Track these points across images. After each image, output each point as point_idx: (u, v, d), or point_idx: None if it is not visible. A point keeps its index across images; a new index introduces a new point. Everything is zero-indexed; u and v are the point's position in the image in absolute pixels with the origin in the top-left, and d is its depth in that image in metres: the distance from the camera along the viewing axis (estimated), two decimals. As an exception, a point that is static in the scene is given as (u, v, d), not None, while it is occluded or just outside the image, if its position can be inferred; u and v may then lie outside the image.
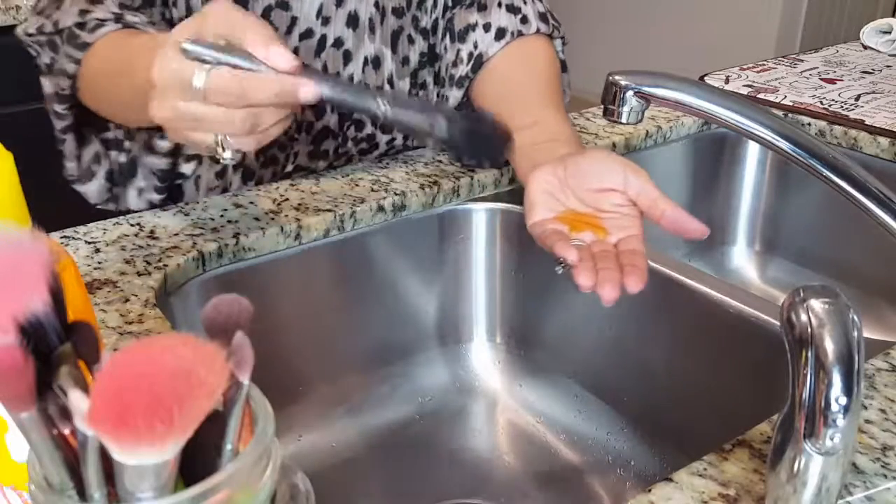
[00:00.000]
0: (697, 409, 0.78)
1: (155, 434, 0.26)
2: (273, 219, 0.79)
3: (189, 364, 0.27)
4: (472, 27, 0.88)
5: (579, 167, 0.66)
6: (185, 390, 0.26)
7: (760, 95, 1.10)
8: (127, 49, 0.71)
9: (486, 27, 0.87)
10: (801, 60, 1.26)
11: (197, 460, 0.29)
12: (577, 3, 3.53)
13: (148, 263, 0.72)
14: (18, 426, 0.28)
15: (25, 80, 1.46)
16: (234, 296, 0.32)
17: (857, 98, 1.08)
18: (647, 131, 1.01)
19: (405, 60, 0.90)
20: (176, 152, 0.81)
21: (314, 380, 0.85)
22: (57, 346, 0.29)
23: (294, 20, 0.83)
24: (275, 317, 0.80)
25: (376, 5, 0.86)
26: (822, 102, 1.07)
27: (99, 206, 0.89)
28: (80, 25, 0.74)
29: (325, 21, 0.84)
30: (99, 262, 0.72)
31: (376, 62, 0.88)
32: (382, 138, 0.92)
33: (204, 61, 0.55)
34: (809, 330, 0.40)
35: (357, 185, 0.86)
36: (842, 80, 1.16)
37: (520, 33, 0.86)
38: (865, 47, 1.31)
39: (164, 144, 0.79)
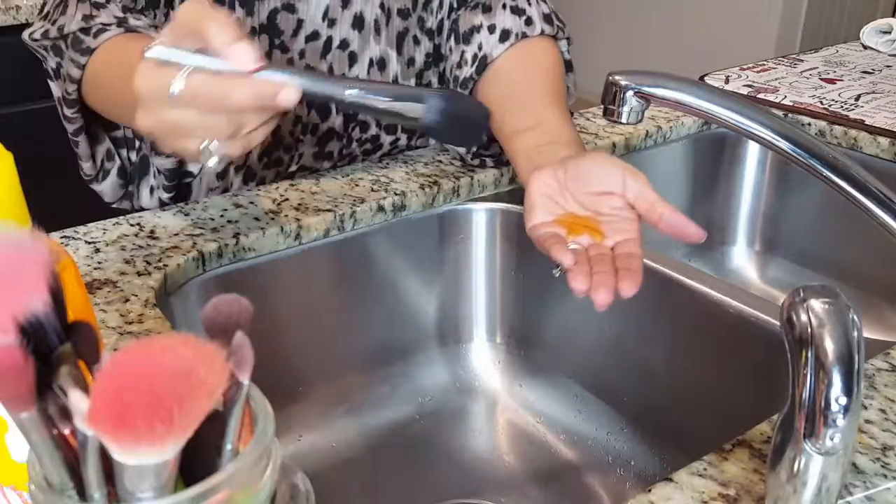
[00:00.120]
0: (697, 409, 0.78)
1: (155, 434, 0.26)
2: (273, 219, 0.79)
3: (189, 364, 0.27)
4: (477, 29, 0.88)
5: (579, 170, 0.66)
6: (185, 390, 0.26)
7: (760, 95, 1.10)
8: (127, 54, 0.71)
9: (491, 29, 0.87)
10: (801, 60, 1.26)
11: (197, 460, 0.29)
12: (577, 3, 3.52)
13: (148, 263, 0.72)
14: (18, 426, 0.28)
15: (25, 80, 1.46)
16: (234, 296, 0.31)
17: (857, 98, 1.08)
18: (647, 131, 1.01)
19: (411, 61, 0.90)
20: None
21: (314, 380, 0.85)
22: (57, 346, 0.29)
23: (300, 22, 0.83)
24: (275, 317, 0.80)
25: (382, 7, 0.86)
26: (822, 102, 1.07)
27: (114, 206, 0.89)
28: (85, 31, 0.75)
29: (331, 23, 0.84)
30: (99, 262, 0.72)
31: (382, 63, 0.88)
32: (386, 139, 0.92)
33: (180, 65, 0.54)
34: (809, 330, 0.40)
35: (357, 185, 0.86)
36: (842, 80, 1.16)
37: (524, 35, 0.86)
38: (865, 47, 1.31)
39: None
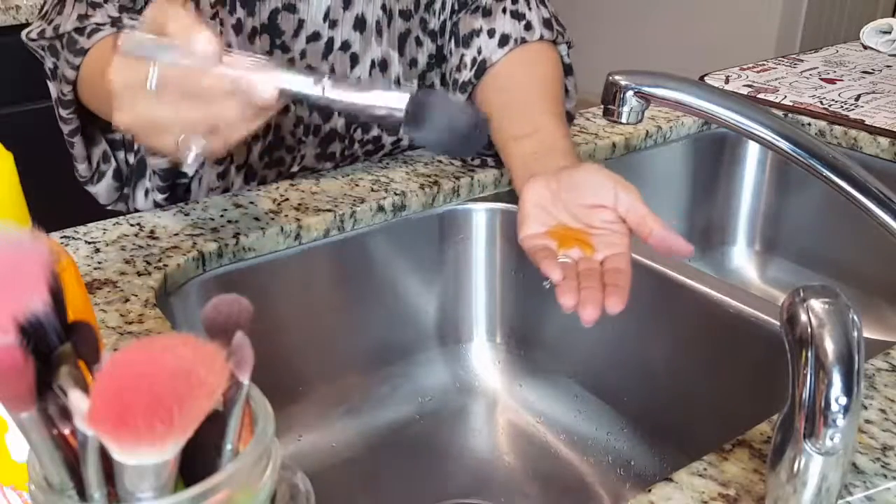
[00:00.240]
0: (697, 409, 0.78)
1: (155, 434, 0.26)
2: (273, 219, 0.79)
3: (189, 364, 0.27)
4: (477, 32, 0.88)
5: (572, 181, 0.67)
6: (185, 390, 0.26)
7: (760, 95, 1.10)
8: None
9: (491, 33, 0.87)
10: (801, 60, 1.26)
11: (197, 460, 0.29)
12: (577, 3, 3.52)
13: (148, 263, 0.72)
14: (18, 426, 0.28)
15: (25, 80, 1.46)
16: (234, 296, 0.31)
17: (857, 98, 1.08)
18: (647, 131, 1.01)
19: (413, 62, 0.90)
20: None
21: (314, 380, 0.85)
22: (57, 346, 0.29)
23: (301, 23, 0.83)
24: (275, 317, 0.80)
25: (383, 8, 0.86)
26: (822, 102, 1.07)
27: (109, 207, 0.89)
28: (79, 31, 0.75)
29: (333, 24, 0.84)
30: (99, 262, 0.72)
31: (383, 65, 0.88)
32: (388, 140, 0.92)
33: (151, 60, 0.53)
34: (809, 330, 0.40)
35: (357, 185, 0.86)
36: (842, 80, 1.16)
37: (523, 40, 0.86)
38: (865, 47, 1.31)
39: None
